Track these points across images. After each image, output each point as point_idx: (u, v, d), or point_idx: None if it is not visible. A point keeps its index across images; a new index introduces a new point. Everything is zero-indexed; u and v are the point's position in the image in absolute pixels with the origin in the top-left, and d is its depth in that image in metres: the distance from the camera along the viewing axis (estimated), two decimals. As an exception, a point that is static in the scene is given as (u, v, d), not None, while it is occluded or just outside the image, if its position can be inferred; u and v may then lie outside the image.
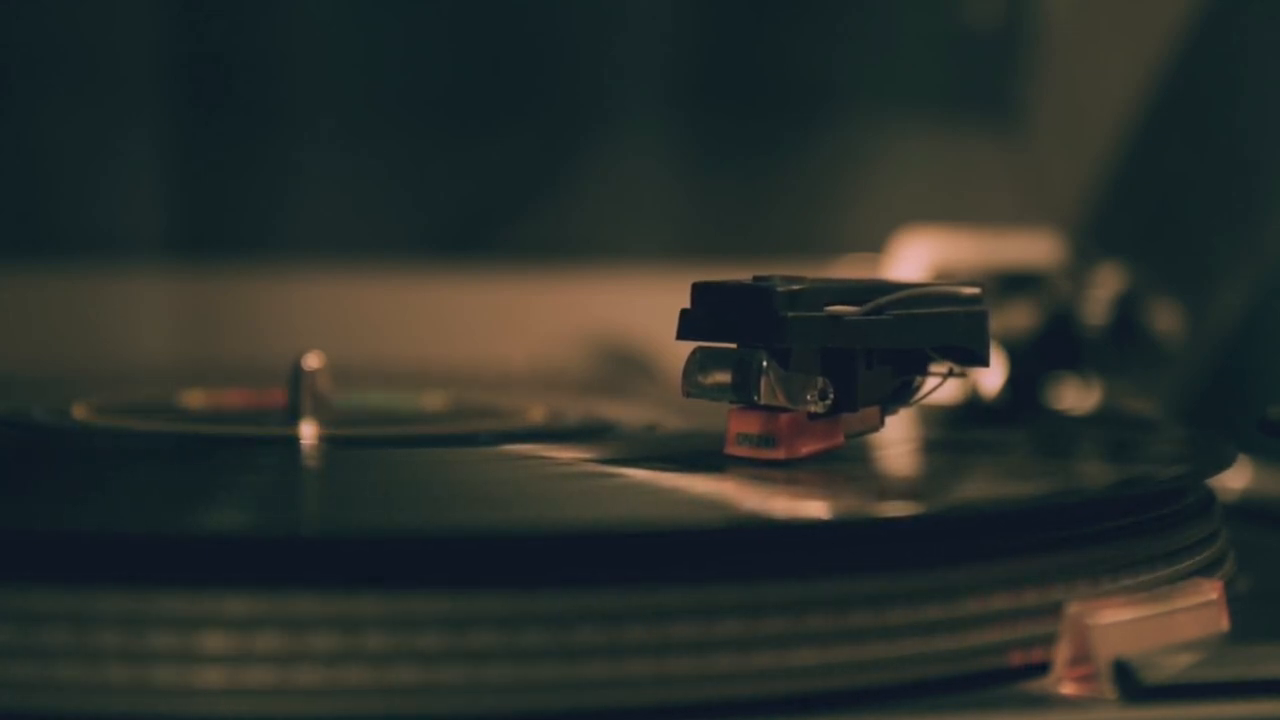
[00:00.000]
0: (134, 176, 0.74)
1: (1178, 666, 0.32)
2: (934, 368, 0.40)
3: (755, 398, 0.37)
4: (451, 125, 0.77)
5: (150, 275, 0.74)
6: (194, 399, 0.53)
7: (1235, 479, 0.52)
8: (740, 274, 0.39)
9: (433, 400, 0.53)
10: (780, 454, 0.38)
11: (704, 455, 0.39)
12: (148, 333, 0.74)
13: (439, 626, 0.30)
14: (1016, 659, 0.33)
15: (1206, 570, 0.37)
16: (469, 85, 0.77)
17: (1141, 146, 0.73)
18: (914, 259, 0.63)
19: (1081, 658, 0.32)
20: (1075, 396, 0.59)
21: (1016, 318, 0.59)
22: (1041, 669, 0.33)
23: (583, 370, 0.73)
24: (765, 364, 0.37)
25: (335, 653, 0.29)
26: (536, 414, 0.49)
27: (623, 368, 0.73)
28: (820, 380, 0.38)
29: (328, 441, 0.44)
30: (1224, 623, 0.35)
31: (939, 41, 0.81)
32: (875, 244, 0.69)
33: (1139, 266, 0.61)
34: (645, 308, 0.71)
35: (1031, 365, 0.58)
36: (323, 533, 0.32)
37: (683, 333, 0.38)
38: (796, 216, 0.80)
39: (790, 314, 0.37)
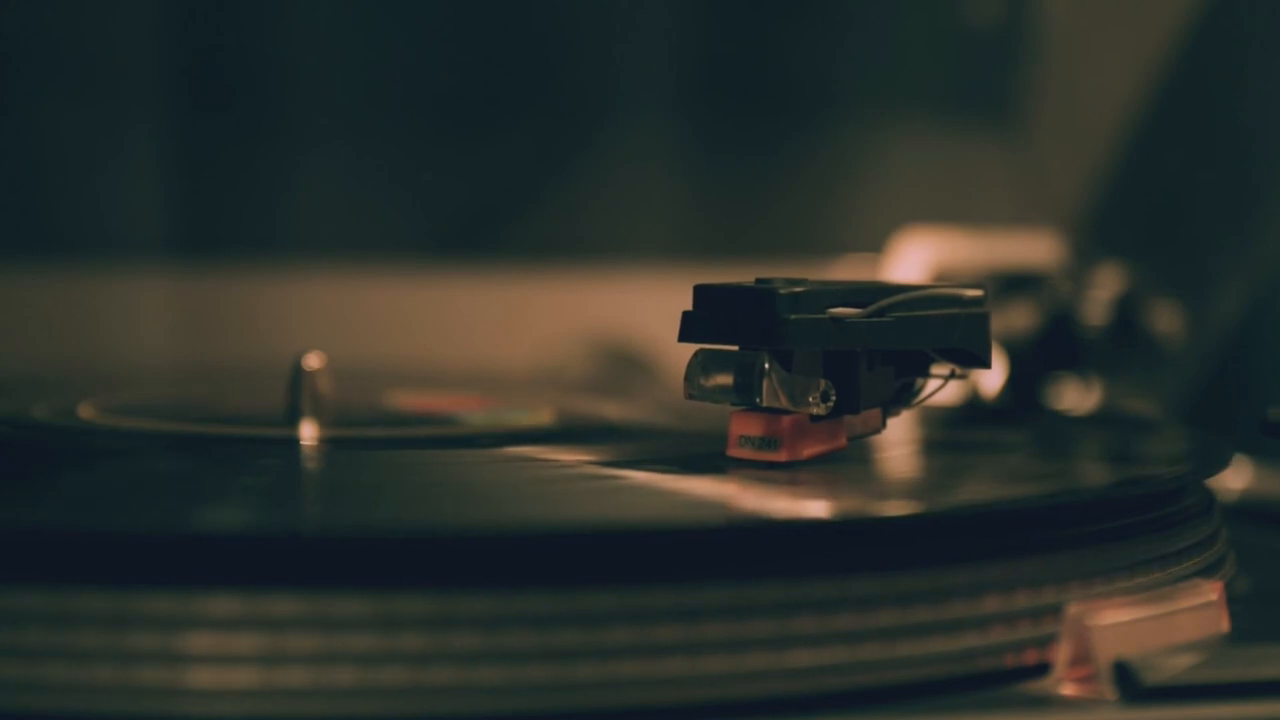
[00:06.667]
0: (134, 176, 0.74)
1: (1178, 667, 0.32)
2: (935, 369, 0.40)
3: (757, 400, 0.37)
4: (453, 125, 0.77)
5: (150, 275, 0.74)
6: (396, 399, 0.52)
7: (1235, 479, 0.52)
8: (741, 274, 0.39)
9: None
10: (782, 456, 0.38)
11: (706, 457, 0.39)
12: (148, 333, 0.74)
13: (475, 626, 0.30)
14: (1017, 660, 0.33)
15: (1206, 571, 0.37)
16: (470, 85, 0.77)
17: (1141, 146, 0.73)
18: (914, 259, 0.63)
19: (1082, 658, 0.32)
20: (1075, 397, 0.59)
21: (1016, 318, 0.59)
22: (1042, 670, 0.33)
23: (583, 370, 0.73)
24: (767, 366, 0.37)
25: (319, 653, 0.29)
26: (537, 415, 0.49)
27: (623, 368, 0.72)
28: (822, 382, 0.38)
29: (328, 442, 0.44)
30: (1224, 623, 0.35)
31: (939, 41, 0.81)
32: (875, 244, 0.69)
33: (1139, 266, 0.61)
34: (646, 308, 0.71)
35: (1031, 365, 0.59)
36: (347, 532, 0.32)
37: (685, 335, 0.38)
38: (797, 217, 0.80)
39: (792, 316, 0.37)
